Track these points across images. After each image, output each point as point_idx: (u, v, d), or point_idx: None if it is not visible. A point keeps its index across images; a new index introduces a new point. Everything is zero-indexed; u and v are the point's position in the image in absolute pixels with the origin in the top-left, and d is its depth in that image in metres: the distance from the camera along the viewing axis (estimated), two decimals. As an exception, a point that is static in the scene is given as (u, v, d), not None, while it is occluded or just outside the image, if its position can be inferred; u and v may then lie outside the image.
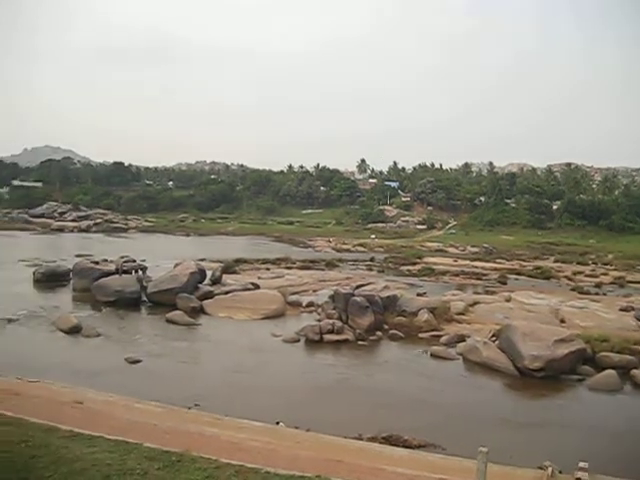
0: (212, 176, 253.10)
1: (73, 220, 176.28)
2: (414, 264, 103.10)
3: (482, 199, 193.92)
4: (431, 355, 44.82)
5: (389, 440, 26.64)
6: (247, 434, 23.25)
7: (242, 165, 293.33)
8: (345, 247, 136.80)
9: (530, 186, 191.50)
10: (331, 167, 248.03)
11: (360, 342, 48.41)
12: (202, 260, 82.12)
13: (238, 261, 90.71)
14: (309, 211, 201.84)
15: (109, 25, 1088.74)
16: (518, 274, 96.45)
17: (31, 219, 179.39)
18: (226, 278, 71.31)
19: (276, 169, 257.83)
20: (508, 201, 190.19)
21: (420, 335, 50.59)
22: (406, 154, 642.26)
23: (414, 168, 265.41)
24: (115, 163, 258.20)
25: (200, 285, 64.29)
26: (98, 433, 19.61)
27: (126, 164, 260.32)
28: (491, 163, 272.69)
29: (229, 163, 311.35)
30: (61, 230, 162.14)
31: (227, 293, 62.91)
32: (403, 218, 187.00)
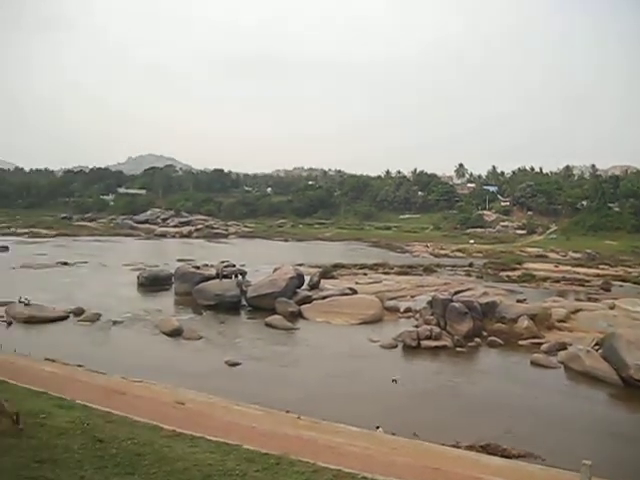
0: (310, 182, 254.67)
1: (175, 226, 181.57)
2: (513, 270, 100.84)
3: (584, 203, 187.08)
4: (531, 363, 43.84)
5: (487, 449, 26.23)
6: (344, 438, 23.34)
7: (340, 171, 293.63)
8: (443, 252, 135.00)
9: (635, 189, 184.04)
10: (428, 172, 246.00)
11: (458, 348, 47.84)
12: (300, 265, 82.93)
13: (336, 266, 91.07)
14: (406, 216, 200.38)
15: (213, 38, 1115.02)
16: (623, 281, 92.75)
17: (135, 225, 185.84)
18: (324, 283, 71.82)
19: (373, 174, 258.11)
20: (612, 205, 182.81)
21: (520, 342, 49.57)
22: (504, 157, 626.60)
23: (513, 172, 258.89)
24: (215, 170, 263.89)
25: (298, 290, 64.99)
26: (199, 433, 20.12)
27: (226, 171, 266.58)
28: (593, 166, 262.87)
29: (327, 169, 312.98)
30: (164, 236, 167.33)
31: (325, 298, 63.37)
32: (502, 223, 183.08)
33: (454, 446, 25.63)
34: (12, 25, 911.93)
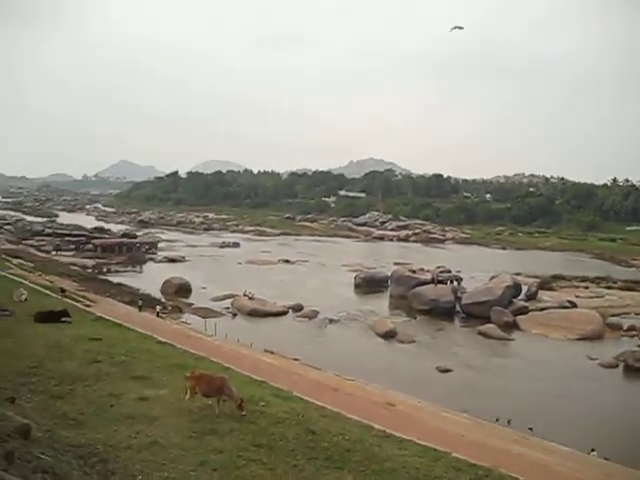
0: (530, 189, 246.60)
1: (393, 229, 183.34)
2: None
3: None
4: None
5: None
6: (554, 457, 22.55)
7: (562, 178, 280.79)
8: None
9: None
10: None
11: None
12: (517, 274, 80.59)
13: (555, 277, 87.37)
14: (634, 228, 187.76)
15: (433, 42, 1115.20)
16: None
17: (354, 227, 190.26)
18: (542, 294, 69.51)
19: (599, 183, 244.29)
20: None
21: None
22: None
23: None
24: (434, 175, 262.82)
25: (514, 300, 63.41)
26: (408, 436, 20.37)
27: (445, 176, 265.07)
28: None
29: (548, 176, 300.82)
30: (381, 239, 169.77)
31: (542, 310, 61.32)
32: None
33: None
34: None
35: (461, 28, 68.43)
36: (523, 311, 60.75)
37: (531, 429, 28.16)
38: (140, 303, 52.17)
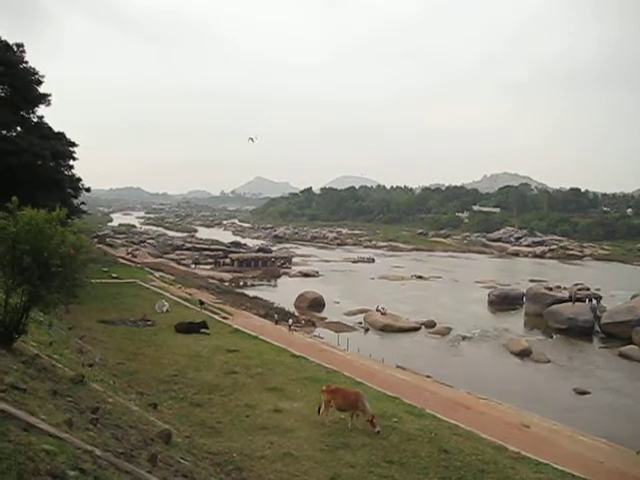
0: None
1: (528, 245, 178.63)
2: None
3: None
4: None
5: None
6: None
7: None
8: None
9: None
10: None
11: None
12: (662, 294, 76.48)
13: None
14: None
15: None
16: None
17: (488, 242, 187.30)
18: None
19: None
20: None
21: None
22: None
23: None
24: (571, 189, 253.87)
25: (659, 320, 60.32)
26: (544, 460, 19.89)
27: (583, 190, 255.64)
28: None
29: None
30: (516, 255, 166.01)
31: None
32: None
33: None
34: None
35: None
36: (668, 332, 57.69)
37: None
38: (276, 317, 53.60)
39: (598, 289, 79.47)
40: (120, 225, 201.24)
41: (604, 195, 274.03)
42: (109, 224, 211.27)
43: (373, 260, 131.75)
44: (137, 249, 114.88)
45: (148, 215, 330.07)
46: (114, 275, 60.68)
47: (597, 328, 61.49)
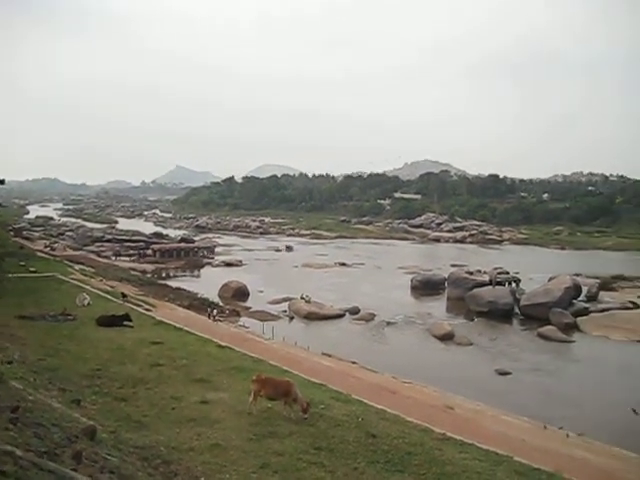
0: (589, 188, 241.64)
1: (449, 231, 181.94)
2: None
3: None
4: None
5: None
6: (620, 464, 22.15)
7: (622, 176, 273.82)
8: None
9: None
10: None
11: None
12: (577, 275, 79.13)
13: (616, 278, 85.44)
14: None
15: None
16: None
17: (410, 229, 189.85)
18: (602, 295, 68.22)
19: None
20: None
21: None
22: None
23: None
24: (490, 175, 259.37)
25: (574, 301, 62.43)
26: (468, 440, 20.27)
27: (501, 176, 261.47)
28: None
29: (608, 174, 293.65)
30: (437, 240, 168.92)
31: (603, 311, 60.21)
32: None
33: None
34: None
35: None
36: (583, 312, 59.76)
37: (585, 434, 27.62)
38: (214, 312, 53.30)
39: (517, 272, 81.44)
40: (37, 217, 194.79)
41: (521, 181, 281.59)
42: (25, 216, 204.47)
43: (292, 248, 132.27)
44: (56, 242, 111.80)
45: (66, 206, 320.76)
46: (32, 269, 58.69)
47: (517, 310, 63.20)
